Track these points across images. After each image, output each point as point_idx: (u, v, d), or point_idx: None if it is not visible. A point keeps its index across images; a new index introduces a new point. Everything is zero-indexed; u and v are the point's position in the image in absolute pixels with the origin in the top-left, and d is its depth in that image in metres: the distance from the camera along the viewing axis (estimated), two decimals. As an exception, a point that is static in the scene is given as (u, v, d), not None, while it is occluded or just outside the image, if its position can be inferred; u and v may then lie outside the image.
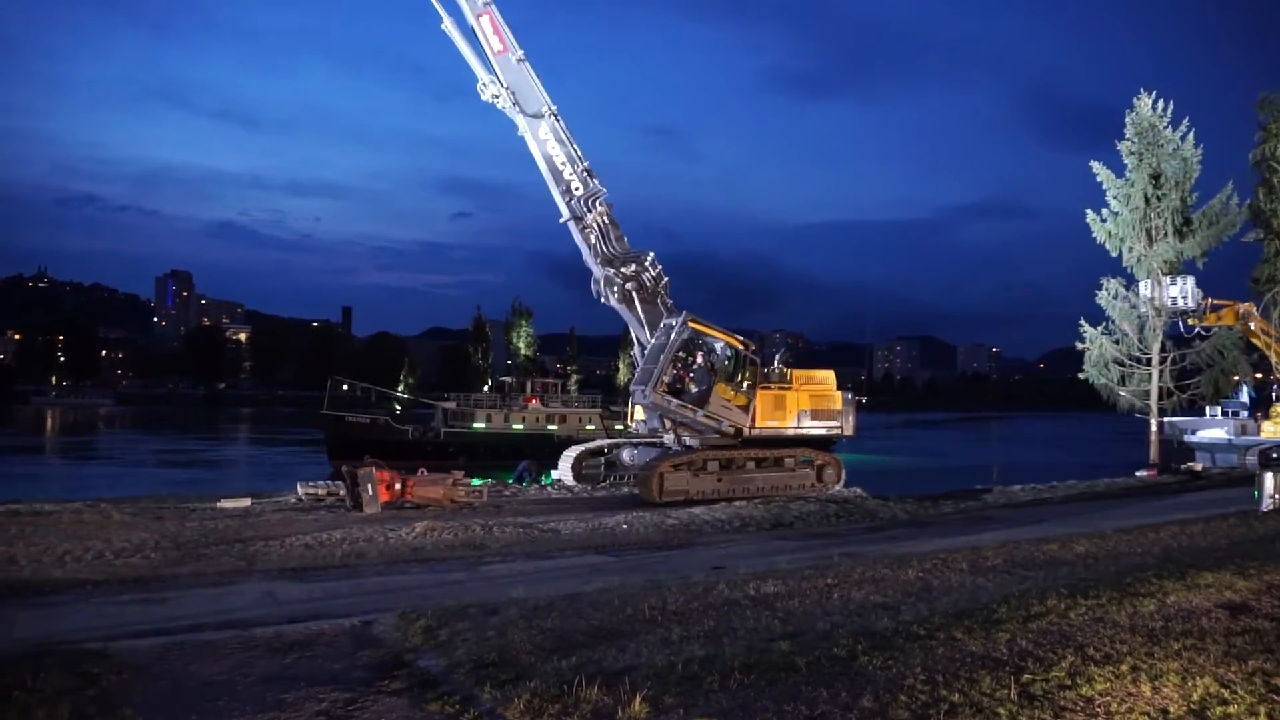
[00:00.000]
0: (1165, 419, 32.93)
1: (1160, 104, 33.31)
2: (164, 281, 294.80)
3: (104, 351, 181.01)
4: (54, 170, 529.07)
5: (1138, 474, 30.32)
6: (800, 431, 23.88)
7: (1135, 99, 33.73)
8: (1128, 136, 33.56)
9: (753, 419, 22.88)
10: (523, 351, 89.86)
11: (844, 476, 24.47)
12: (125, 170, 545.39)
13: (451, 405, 55.92)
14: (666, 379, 21.65)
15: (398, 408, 67.40)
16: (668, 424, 22.59)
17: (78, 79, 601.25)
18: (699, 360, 22.62)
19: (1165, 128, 33.21)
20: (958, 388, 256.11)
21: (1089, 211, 34.42)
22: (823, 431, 24.13)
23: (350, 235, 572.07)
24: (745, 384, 22.97)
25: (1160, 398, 32.98)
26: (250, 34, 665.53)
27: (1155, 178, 32.93)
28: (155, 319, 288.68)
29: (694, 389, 22.24)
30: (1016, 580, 9.83)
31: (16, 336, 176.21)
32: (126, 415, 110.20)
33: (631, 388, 23.06)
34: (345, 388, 73.82)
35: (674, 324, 22.13)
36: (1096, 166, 34.20)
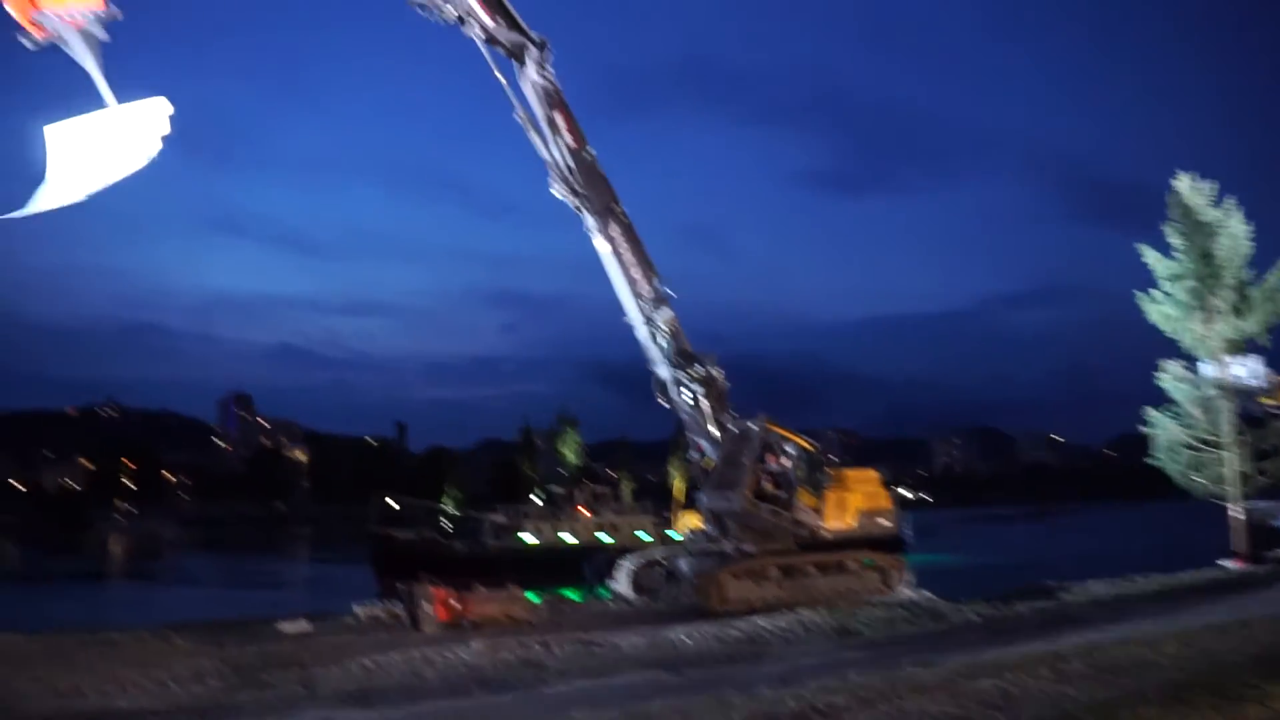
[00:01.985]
0: (1248, 503, 31.35)
1: (1202, 183, 33.10)
2: (225, 404, 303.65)
3: (168, 475, 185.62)
4: (120, 302, 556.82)
5: (1223, 564, 28.72)
6: (861, 532, 23.43)
7: (1174, 180, 33.56)
8: (1171, 217, 33.27)
9: (824, 521, 22.53)
10: (570, 460, 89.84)
11: (910, 578, 23.67)
12: (188, 299, 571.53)
13: (500, 518, 55.16)
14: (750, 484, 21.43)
15: (445, 523, 67.18)
16: (732, 529, 22.15)
17: (142, 215, 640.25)
18: (783, 463, 22.35)
19: (1209, 206, 32.89)
20: (1020, 479, 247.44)
21: (1140, 294, 33.89)
22: (879, 531, 23.68)
23: (403, 351, 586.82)
24: (817, 486, 22.75)
25: (1239, 482, 31.52)
26: (306, 164, 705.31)
27: (1205, 257, 32.38)
28: (218, 441, 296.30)
29: (776, 492, 21.91)
30: (1103, 687, 9.31)
31: (87, 464, 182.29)
32: (189, 538, 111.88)
33: (705, 494, 22.67)
34: (391, 504, 74.04)
35: (751, 427, 22.04)
36: (1144, 249, 33.84)
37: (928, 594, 22.44)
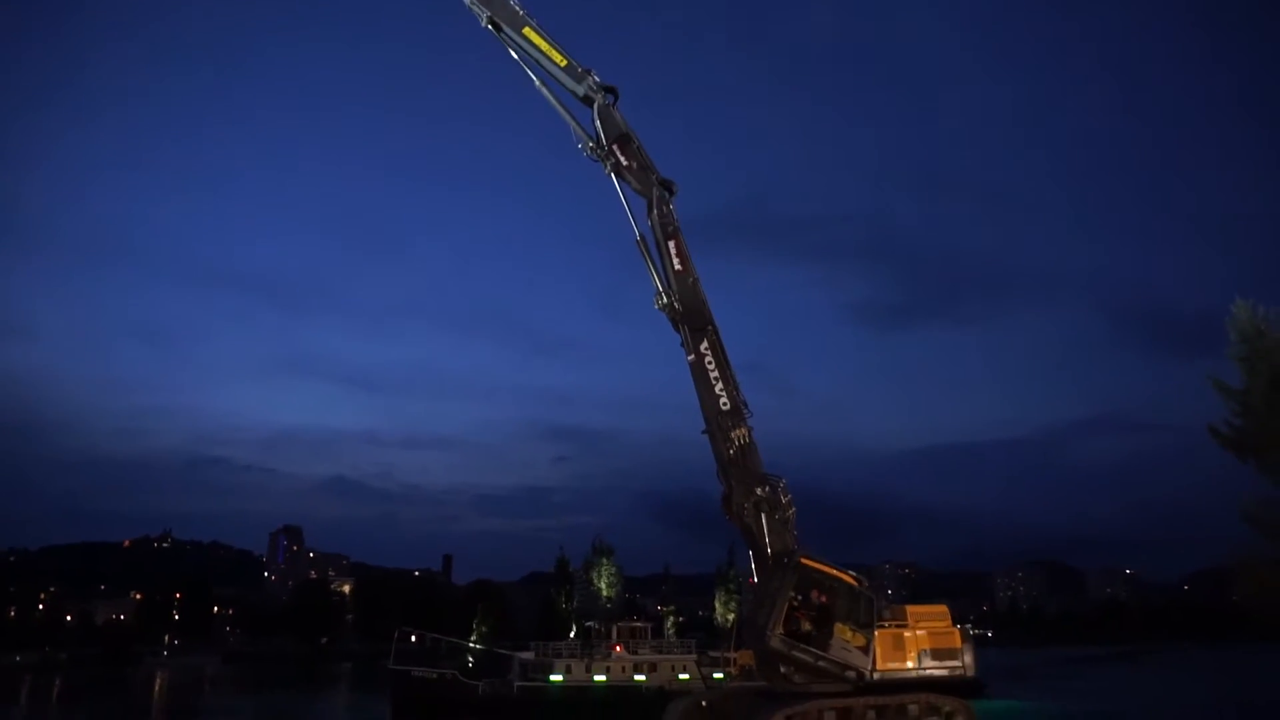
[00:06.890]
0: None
1: (1260, 309, 32.38)
2: (276, 536, 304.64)
3: (216, 609, 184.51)
4: (190, 439, 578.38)
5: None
6: (923, 674, 21.96)
7: (1233, 306, 32.93)
8: (1233, 344, 32.44)
9: (873, 662, 21.25)
10: (604, 592, 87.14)
11: (979, 727, 21.99)
12: (253, 435, 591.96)
13: (530, 655, 52.54)
14: (782, 621, 20.50)
15: (470, 660, 64.17)
16: (785, 669, 21.07)
17: (219, 357, 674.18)
18: (823, 599, 21.49)
19: (1271, 332, 32.07)
20: (1093, 617, 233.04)
21: (1209, 425, 32.68)
22: (945, 673, 22.14)
23: (455, 484, 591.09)
24: (863, 623, 21.61)
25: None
26: (373, 310, 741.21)
27: (1274, 381, 31.33)
28: (266, 574, 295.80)
29: (811, 630, 20.94)
30: None
31: (138, 597, 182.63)
32: (230, 675, 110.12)
33: (744, 632, 21.89)
34: (413, 639, 71.26)
35: (785, 561, 21.38)
36: (1210, 377, 32.89)
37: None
